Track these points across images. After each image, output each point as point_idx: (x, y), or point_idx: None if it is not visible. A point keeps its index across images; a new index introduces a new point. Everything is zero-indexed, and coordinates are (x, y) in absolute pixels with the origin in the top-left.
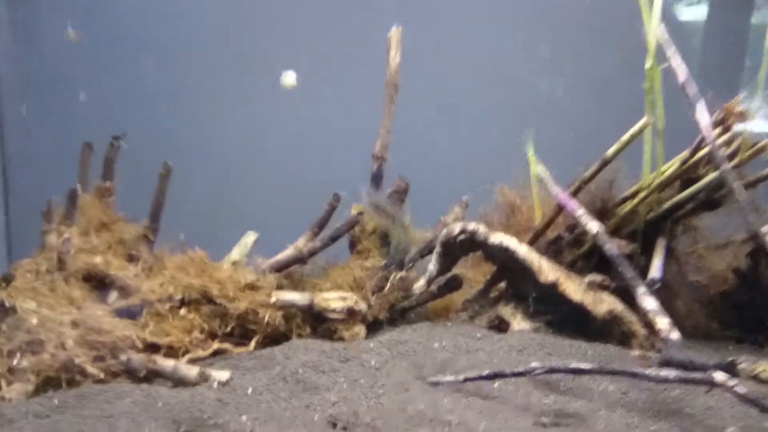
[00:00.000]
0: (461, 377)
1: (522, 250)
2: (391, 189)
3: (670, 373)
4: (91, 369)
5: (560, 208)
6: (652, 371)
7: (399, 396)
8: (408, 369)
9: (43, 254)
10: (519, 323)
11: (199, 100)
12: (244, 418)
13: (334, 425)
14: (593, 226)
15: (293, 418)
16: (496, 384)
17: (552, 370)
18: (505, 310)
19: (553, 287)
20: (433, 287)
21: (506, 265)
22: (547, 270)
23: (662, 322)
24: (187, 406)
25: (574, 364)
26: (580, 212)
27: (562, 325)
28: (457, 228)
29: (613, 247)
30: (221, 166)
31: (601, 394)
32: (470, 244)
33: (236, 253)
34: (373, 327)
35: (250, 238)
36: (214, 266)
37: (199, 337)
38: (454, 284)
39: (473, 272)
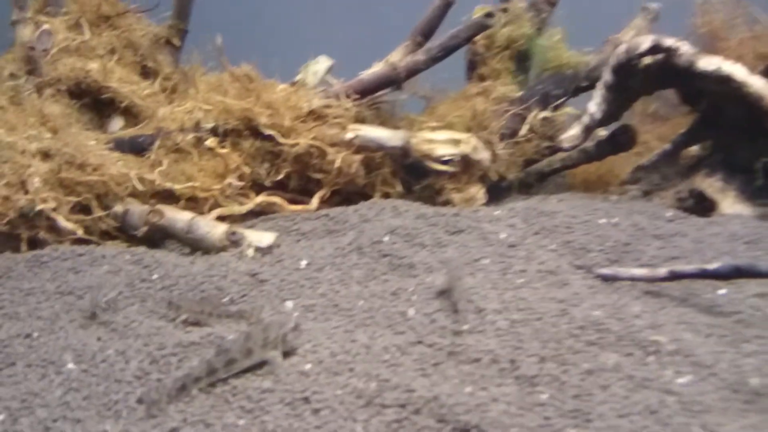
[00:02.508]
0: (663, 271)
1: (757, 83)
2: None
3: None
4: (64, 223)
5: None
6: None
7: (552, 291)
8: (561, 252)
9: (11, 53)
10: (732, 205)
11: None
12: (289, 304)
13: (443, 326)
14: None
15: (372, 311)
16: (724, 291)
17: None
18: (709, 184)
19: None
20: (589, 144)
21: (718, 110)
22: None
23: None
24: (199, 282)
25: None
26: None
27: None
28: (645, 42)
29: None
30: None
31: None
32: (663, 70)
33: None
34: (496, 192)
35: (321, 64)
36: (265, 85)
37: (237, 185)
38: (624, 139)
39: (648, 131)
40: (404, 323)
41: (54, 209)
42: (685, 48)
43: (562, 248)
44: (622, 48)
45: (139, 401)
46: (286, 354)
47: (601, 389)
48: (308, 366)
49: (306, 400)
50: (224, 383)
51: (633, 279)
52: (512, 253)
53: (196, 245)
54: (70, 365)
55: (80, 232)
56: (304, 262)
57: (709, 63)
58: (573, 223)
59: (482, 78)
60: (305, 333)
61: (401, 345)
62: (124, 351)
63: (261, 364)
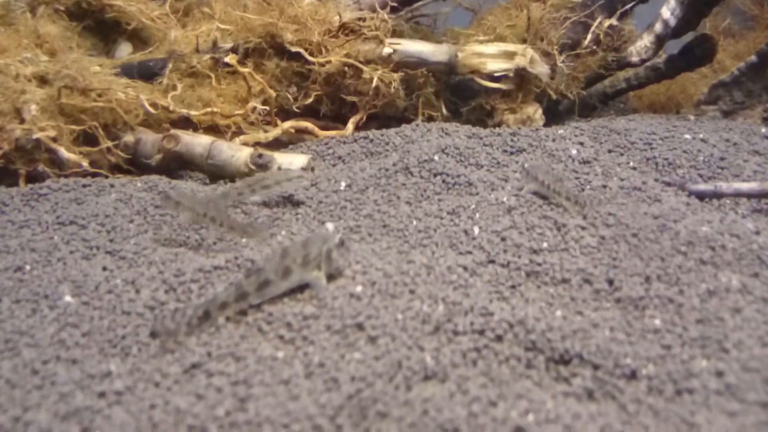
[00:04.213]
0: None
1: None
2: None
3: None
4: (67, 154)
5: None
6: None
7: (643, 207)
8: (643, 169)
9: None
10: None
11: None
12: (329, 226)
13: (518, 243)
14: None
15: (428, 231)
16: None
17: None
18: None
19: None
20: (659, 60)
21: None
22: None
23: None
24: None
25: None
26: None
27: None
28: None
29: None
30: None
31: None
32: None
33: None
34: (554, 113)
35: None
36: None
37: (262, 110)
38: (703, 52)
39: (721, 49)
40: (469, 242)
41: (54, 139)
42: None
43: (644, 165)
44: None
45: (153, 334)
46: (331, 276)
47: (731, 313)
48: (359, 288)
49: (359, 326)
50: (257, 309)
51: (739, 194)
52: (587, 169)
53: (218, 172)
54: (68, 298)
55: (85, 164)
56: (343, 184)
57: None
58: (652, 139)
59: None
60: (352, 254)
61: (469, 265)
62: (134, 280)
63: (301, 287)
